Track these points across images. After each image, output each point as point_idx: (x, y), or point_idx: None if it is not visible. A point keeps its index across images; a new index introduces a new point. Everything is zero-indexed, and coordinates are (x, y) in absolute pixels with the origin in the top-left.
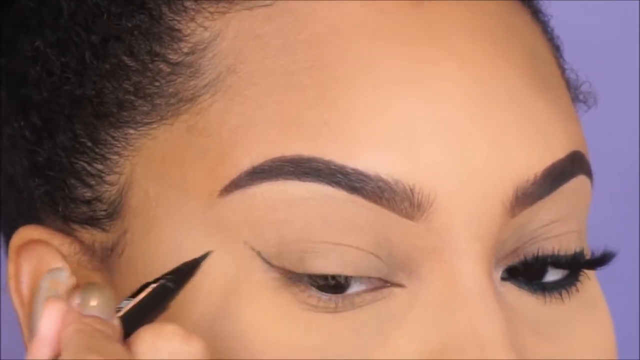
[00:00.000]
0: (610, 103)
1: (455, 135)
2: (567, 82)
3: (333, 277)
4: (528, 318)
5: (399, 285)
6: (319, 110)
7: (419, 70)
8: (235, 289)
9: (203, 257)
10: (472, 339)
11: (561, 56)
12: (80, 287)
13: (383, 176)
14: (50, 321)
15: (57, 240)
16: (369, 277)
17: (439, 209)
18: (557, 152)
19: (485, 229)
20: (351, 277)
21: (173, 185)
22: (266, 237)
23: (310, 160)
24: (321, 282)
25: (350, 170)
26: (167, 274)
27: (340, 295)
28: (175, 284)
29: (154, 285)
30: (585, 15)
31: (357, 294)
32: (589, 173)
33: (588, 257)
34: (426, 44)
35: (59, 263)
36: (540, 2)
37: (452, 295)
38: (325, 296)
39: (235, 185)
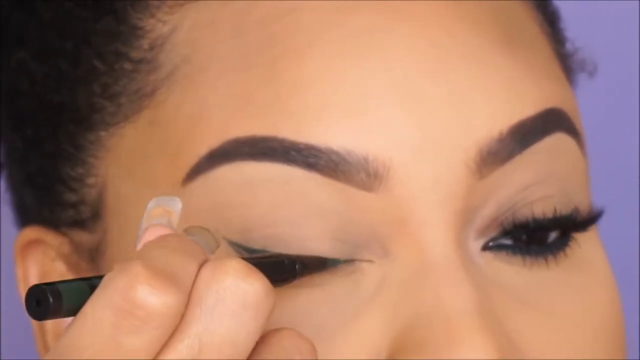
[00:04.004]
0: (610, 102)
1: (409, 98)
2: (559, 50)
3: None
4: (509, 287)
5: (368, 261)
6: (270, 87)
7: (370, 37)
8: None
9: (336, 261)
10: (438, 312)
11: (552, 21)
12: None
13: (335, 148)
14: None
15: (52, 239)
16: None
17: (396, 177)
18: (525, 109)
19: (449, 193)
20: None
21: (140, 181)
22: (232, 222)
23: (265, 139)
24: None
25: (302, 146)
26: (302, 257)
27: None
28: (298, 269)
29: (285, 259)
30: (585, 15)
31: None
32: (571, 130)
33: (583, 216)
34: (377, 11)
35: (58, 264)
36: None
37: (419, 268)
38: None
39: (196, 171)
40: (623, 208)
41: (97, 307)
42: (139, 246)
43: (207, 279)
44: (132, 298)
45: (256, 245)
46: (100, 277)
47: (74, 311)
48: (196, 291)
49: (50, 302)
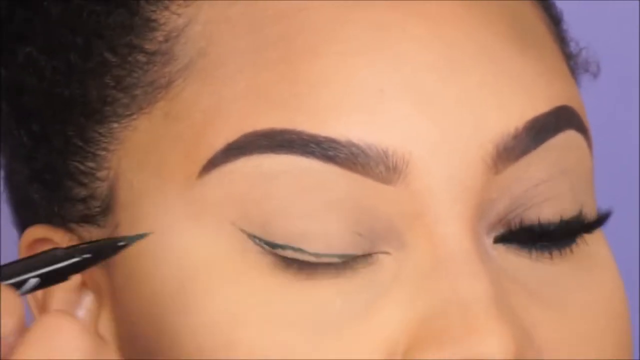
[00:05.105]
0: (610, 101)
1: (424, 95)
2: (564, 50)
3: None
4: (522, 280)
5: (384, 252)
6: (287, 82)
7: (383, 34)
8: (227, 271)
9: (134, 238)
10: (455, 302)
11: (557, 23)
12: None
13: (355, 141)
14: None
15: (60, 237)
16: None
17: (415, 171)
18: (539, 106)
19: (466, 188)
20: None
21: (153, 173)
22: (250, 215)
23: (283, 132)
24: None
25: (322, 139)
26: (86, 245)
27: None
28: (89, 258)
29: (58, 251)
30: (585, 15)
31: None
32: (581, 128)
33: (589, 216)
34: (390, 8)
35: None
36: None
37: (435, 261)
38: (321, 267)
39: (212, 164)
40: (624, 209)
41: None
42: None
43: None
44: None
45: (278, 239)
46: None
47: None
48: None
49: None
